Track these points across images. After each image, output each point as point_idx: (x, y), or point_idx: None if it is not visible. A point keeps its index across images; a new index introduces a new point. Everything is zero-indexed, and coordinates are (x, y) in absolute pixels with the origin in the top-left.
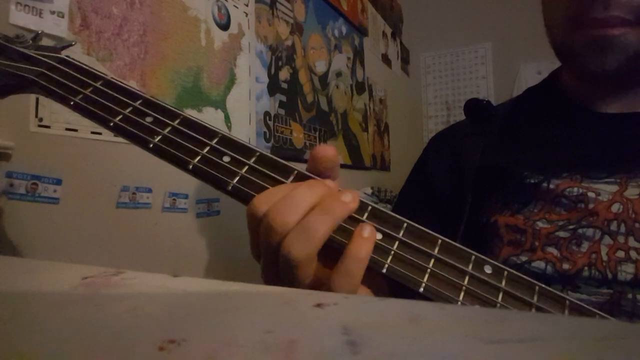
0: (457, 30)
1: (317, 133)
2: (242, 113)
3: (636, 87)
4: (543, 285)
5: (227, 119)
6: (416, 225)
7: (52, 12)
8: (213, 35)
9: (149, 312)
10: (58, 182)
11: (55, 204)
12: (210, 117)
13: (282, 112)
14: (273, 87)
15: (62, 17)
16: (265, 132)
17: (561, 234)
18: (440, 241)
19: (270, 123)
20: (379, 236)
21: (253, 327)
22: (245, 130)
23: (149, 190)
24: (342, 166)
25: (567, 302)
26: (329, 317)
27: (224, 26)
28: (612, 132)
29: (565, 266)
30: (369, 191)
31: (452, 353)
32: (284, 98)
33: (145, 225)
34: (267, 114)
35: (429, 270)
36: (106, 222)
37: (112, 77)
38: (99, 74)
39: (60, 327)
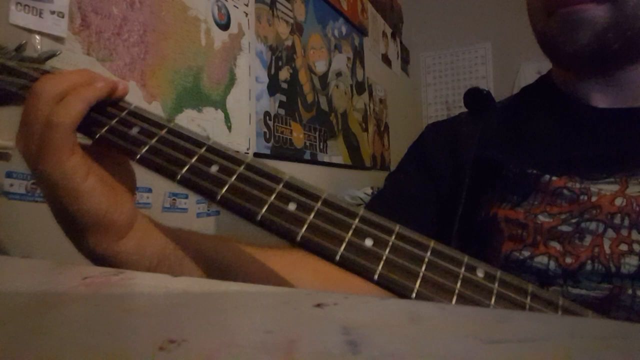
0: (457, 30)
1: (317, 133)
2: (242, 113)
3: (616, 75)
4: (535, 288)
5: (227, 119)
6: (407, 229)
7: (52, 12)
8: (213, 35)
9: (149, 312)
10: None
11: None
12: (210, 117)
13: (282, 112)
14: (273, 87)
15: (62, 17)
16: (265, 132)
17: (564, 228)
18: (432, 245)
19: (270, 123)
20: (370, 242)
21: (253, 327)
22: (245, 130)
23: (149, 190)
24: (342, 166)
25: (560, 303)
26: (329, 317)
27: (224, 26)
28: (608, 129)
29: (568, 260)
30: (369, 191)
31: (452, 353)
32: (284, 98)
33: None
34: (267, 114)
35: (421, 274)
36: None
37: None
38: None
39: (60, 327)
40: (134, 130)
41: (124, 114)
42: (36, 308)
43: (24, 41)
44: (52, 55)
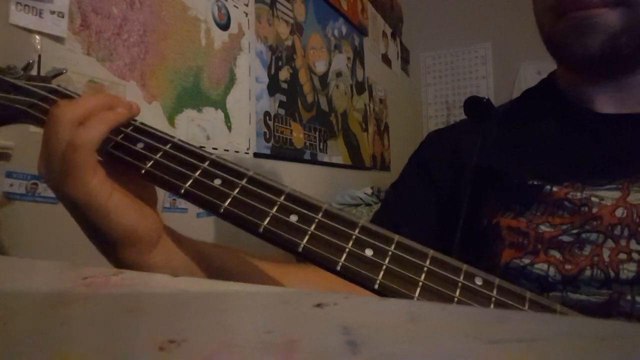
0: (457, 30)
1: (317, 133)
2: (242, 113)
3: (624, 79)
4: (533, 295)
5: (227, 119)
6: (407, 239)
7: (52, 12)
8: (213, 35)
9: (149, 312)
10: None
11: (55, 204)
12: (210, 117)
13: (282, 112)
14: (273, 87)
15: (62, 17)
16: (265, 132)
17: (564, 238)
18: (431, 253)
19: (270, 123)
20: (370, 252)
21: (253, 327)
22: (245, 130)
23: None
24: (342, 166)
25: (558, 310)
26: (329, 317)
27: (224, 26)
28: (611, 134)
29: (568, 267)
30: (369, 191)
31: (452, 353)
32: (284, 98)
33: None
34: (267, 114)
35: (420, 283)
36: None
37: None
38: None
39: (60, 327)
40: (139, 146)
41: (129, 130)
42: (36, 308)
43: (31, 60)
44: (58, 73)
